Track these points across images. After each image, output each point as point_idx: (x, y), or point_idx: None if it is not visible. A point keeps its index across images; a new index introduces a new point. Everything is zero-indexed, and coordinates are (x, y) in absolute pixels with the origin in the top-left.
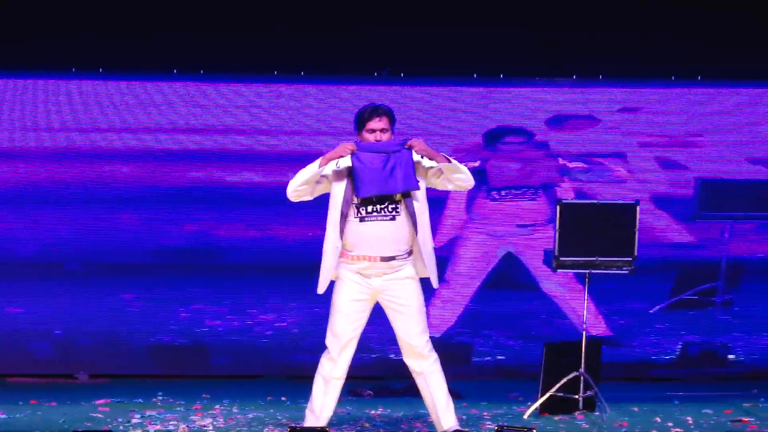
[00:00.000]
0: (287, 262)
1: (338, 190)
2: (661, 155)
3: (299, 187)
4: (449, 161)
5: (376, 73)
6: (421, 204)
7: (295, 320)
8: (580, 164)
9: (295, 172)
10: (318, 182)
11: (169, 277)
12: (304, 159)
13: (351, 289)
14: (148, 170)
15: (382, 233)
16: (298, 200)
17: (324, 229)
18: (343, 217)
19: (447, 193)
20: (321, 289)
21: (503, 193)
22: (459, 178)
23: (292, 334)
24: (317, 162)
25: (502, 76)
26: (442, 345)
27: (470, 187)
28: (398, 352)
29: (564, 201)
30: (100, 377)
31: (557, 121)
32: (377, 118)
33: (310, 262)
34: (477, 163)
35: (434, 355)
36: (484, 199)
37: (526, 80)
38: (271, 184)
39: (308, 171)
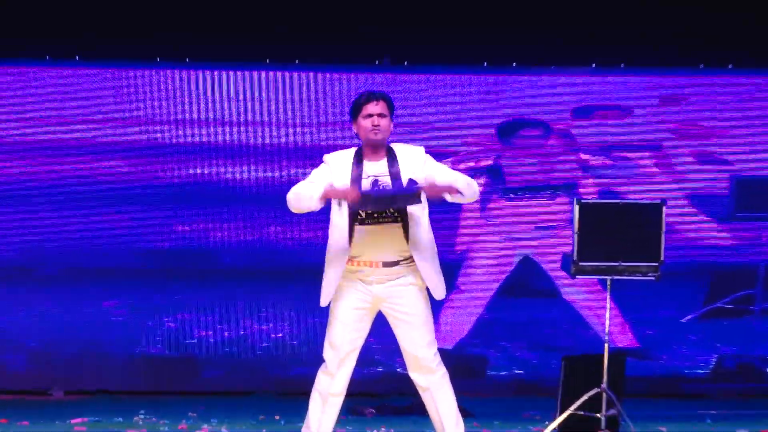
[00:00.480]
0: (285, 267)
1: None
2: (691, 150)
3: (301, 206)
4: (460, 192)
5: (377, 62)
6: (420, 211)
7: (292, 330)
8: (603, 160)
9: (292, 167)
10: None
11: (155, 282)
12: (302, 152)
13: (351, 297)
14: (132, 165)
15: (385, 237)
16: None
17: (325, 229)
18: (352, 218)
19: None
20: (324, 301)
21: (520, 192)
22: (469, 200)
23: (290, 346)
24: (318, 190)
25: (514, 64)
26: (452, 358)
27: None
28: (404, 365)
29: (583, 200)
30: (76, 393)
31: (577, 114)
32: (374, 102)
33: (310, 266)
34: (490, 160)
35: (442, 369)
36: (500, 198)
37: (541, 69)
38: (267, 181)
39: (307, 193)
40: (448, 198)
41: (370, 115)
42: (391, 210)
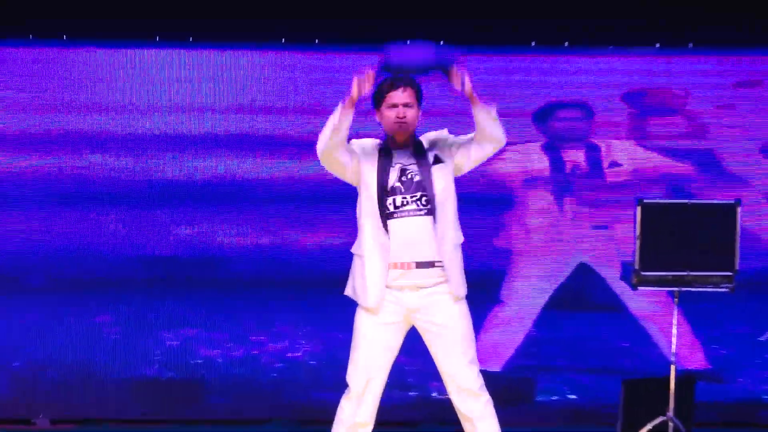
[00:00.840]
0: (303, 275)
1: (370, 176)
2: None
3: (330, 138)
4: (488, 110)
5: (408, 42)
6: (447, 195)
7: (312, 349)
8: (666, 152)
9: (313, 161)
10: (348, 152)
11: (154, 294)
12: None
13: (378, 309)
14: (127, 159)
15: (417, 232)
16: (331, 164)
17: (347, 232)
18: (383, 205)
19: (500, 190)
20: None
21: (575, 188)
22: (494, 132)
23: (309, 367)
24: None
25: (566, 44)
26: (497, 381)
27: (501, 147)
28: (441, 388)
29: (646, 201)
30: (64, 422)
31: (639, 99)
32: (400, 89)
33: (331, 274)
34: (534, 149)
35: (486, 396)
36: (549, 195)
37: (597, 50)
38: (283, 177)
39: (334, 116)
40: (478, 152)
41: (395, 106)
42: (425, 200)
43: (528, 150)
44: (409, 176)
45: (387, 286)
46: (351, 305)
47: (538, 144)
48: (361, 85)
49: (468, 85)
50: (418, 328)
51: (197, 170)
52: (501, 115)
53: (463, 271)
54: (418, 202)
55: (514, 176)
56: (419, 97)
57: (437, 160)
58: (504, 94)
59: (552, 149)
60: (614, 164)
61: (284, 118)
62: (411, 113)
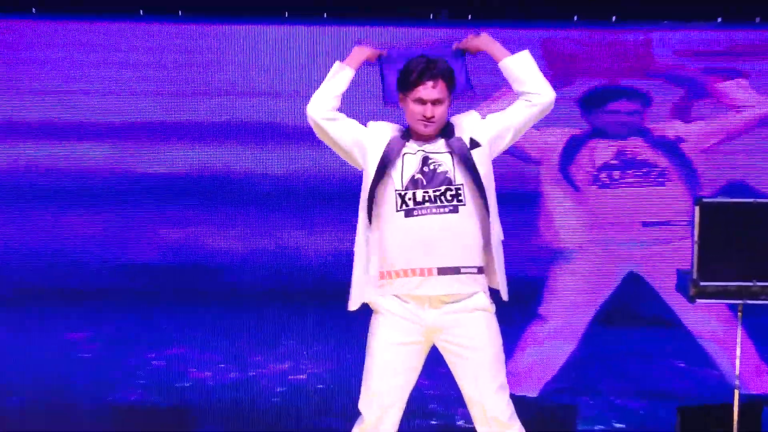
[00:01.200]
0: (310, 286)
1: (372, 164)
2: None
3: (323, 96)
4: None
5: (431, 15)
6: (489, 184)
7: (318, 371)
8: (728, 140)
9: (323, 155)
10: (345, 129)
11: (138, 307)
12: None
13: (393, 327)
14: (105, 151)
15: (440, 233)
16: (321, 130)
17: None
18: (399, 199)
19: (538, 186)
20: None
21: (624, 183)
22: (537, 81)
23: (315, 392)
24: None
25: (614, 19)
26: (532, 409)
27: (550, 103)
28: (468, 416)
29: (706, 200)
30: None
31: (696, 80)
32: (430, 82)
33: (343, 285)
34: (581, 132)
35: (517, 425)
36: (595, 188)
37: (647, 23)
38: (287, 171)
39: (331, 74)
40: (524, 117)
41: (422, 102)
42: (450, 195)
43: (568, 137)
44: (432, 167)
45: (403, 300)
46: (364, 321)
47: (581, 131)
48: (366, 54)
49: (482, 37)
50: (441, 348)
51: (186, 163)
52: None
53: (502, 267)
54: (443, 198)
55: (553, 168)
56: (451, 89)
57: (474, 144)
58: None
59: (597, 137)
60: (668, 155)
61: (292, 102)
62: (440, 111)
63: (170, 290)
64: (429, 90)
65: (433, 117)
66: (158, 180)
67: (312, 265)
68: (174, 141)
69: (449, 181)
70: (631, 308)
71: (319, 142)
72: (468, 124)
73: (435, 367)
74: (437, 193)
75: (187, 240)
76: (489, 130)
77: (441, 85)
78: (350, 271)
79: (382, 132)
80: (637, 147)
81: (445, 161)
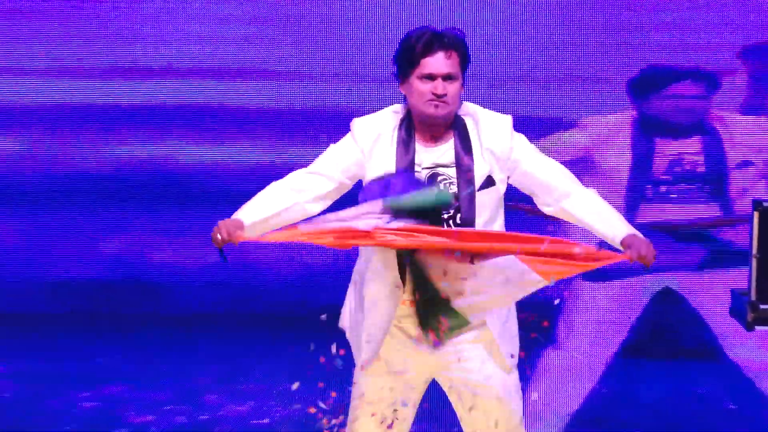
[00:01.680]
0: (279, 310)
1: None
2: None
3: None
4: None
5: None
6: (490, 222)
7: (288, 413)
8: None
9: (302, 144)
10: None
11: (66, 334)
12: (326, 119)
13: (385, 359)
14: (30, 139)
15: (440, 259)
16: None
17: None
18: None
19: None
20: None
21: (664, 188)
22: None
23: None
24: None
25: None
26: None
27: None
28: None
29: (766, 203)
30: None
31: (753, 56)
32: (440, 53)
33: (319, 310)
34: (622, 131)
35: None
36: (623, 191)
37: None
38: (256, 166)
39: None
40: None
41: (431, 78)
42: (457, 219)
43: (606, 127)
44: (442, 186)
45: (398, 328)
46: (349, 353)
47: (625, 119)
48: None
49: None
50: (444, 387)
51: (130, 156)
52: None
53: (514, 318)
54: (451, 222)
55: (584, 163)
56: (465, 65)
57: (489, 182)
58: (566, 46)
59: (640, 127)
60: (716, 148)
61: (269, 84)
62: (453, 89)
63: (106, 314)
64: (440, 62)
65: (445, 95)
66: (96, 175)
67: (284, 284)
68: (117, 128)
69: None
70: (668, 335)
71: (286, 130)
72: (492, 138)
73: (433, 409)
74: (447, 217)
75: (129, 252)
76: (509, 170)
77: (454, 56)
78: (331, 293)
79: (381, 140)
80: (678, 141)
81: (454, 177)
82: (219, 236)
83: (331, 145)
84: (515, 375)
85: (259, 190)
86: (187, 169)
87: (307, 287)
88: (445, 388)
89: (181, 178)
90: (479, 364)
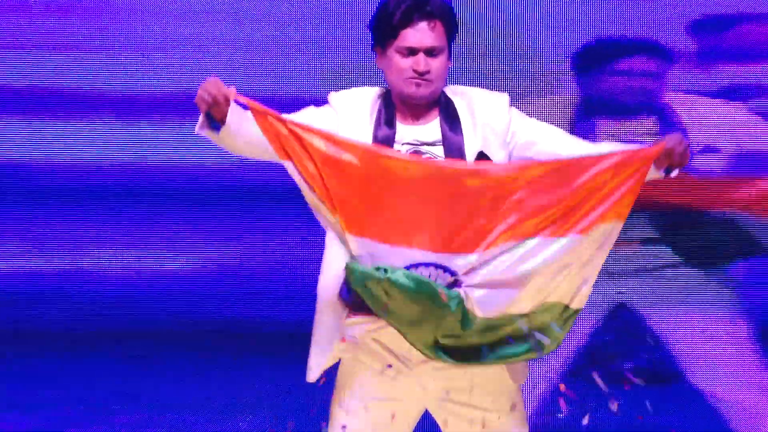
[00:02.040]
0: (254, 327)
1: None
2: None
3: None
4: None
5: None
6: None
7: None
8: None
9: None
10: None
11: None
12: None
13: (367, 383)
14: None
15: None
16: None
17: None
18: None
19: None
20: (312, 375)
21: None
22: None
23: None
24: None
25: None
26: None
27: None
28: None
29: None
30: None
31: (702, 30)
32: (423, 23)
33: (300, 324)
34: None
35: None
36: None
37: None
38: (223, 163)
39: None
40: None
41: (412, 52)
42: None
43: (556, 113)
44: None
45: (383, 346)
46: (331, 374)
47: (571, 101)
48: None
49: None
50: (437, 417)
51: (77, 149)
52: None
53: None
54: None
55: None
56: (453, 34)
57: (481, 156)
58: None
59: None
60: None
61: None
62: (438, 65)
63: (49, 333)
64: (422, 33)
65: (428, 72)
66: (33, 172)
67: (259, 295)
68: (59, 117)
69: None
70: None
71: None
72: (488, 113)
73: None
74: None
75: (73, 257)
76: (507, 148)
77: (439, 28)
78: (309, 309)
79: (359, 115)
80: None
81: (440, 156)
82: (206, 94)
83: (309, 107)
84: (521, 399)
85: (226, 195)
86: (148, 168)
87: (292, 299)
88: (440, 421)
89: (141, 178)
90: (484, 389)
